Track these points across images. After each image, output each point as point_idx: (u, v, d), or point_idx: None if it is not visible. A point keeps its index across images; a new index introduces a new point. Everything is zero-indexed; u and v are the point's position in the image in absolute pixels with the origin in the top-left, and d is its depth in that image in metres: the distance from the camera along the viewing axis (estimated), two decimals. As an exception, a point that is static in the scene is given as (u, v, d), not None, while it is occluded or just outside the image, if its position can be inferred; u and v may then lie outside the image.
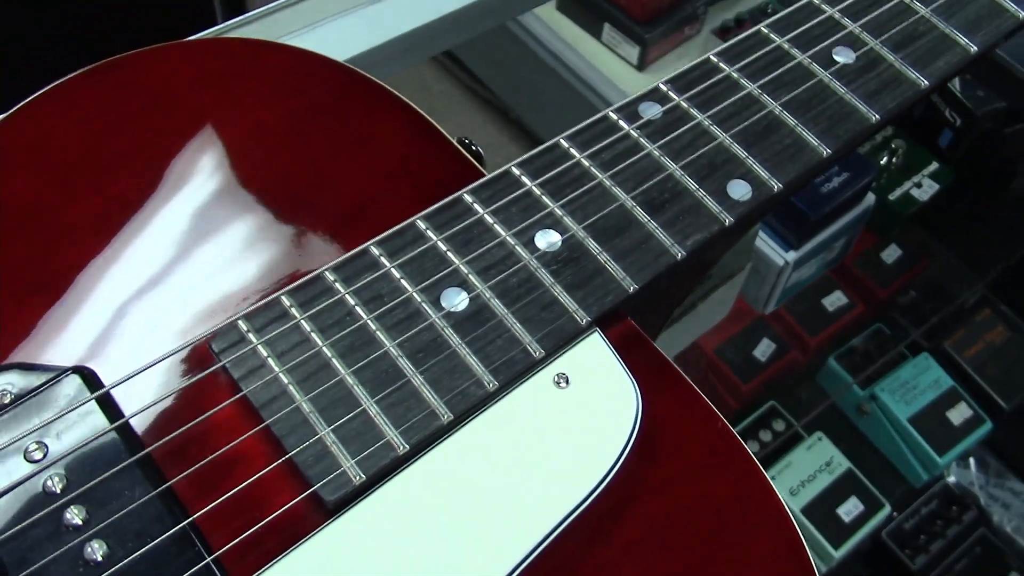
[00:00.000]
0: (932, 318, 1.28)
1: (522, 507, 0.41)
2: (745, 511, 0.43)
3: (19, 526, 0.39)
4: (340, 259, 0.45)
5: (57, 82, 0.51)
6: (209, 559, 0.39)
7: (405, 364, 0.43)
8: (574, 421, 0.43)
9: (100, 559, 0.38)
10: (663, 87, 0.52)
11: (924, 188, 1.24)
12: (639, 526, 0.42)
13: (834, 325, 1.24)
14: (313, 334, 0.43)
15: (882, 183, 1.21)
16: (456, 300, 0.45)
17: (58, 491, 0.40)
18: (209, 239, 0.47)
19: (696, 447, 0.44)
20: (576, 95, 1.44)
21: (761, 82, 0.52)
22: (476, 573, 0.39)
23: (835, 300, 1.25)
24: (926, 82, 0.53)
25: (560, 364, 0.44)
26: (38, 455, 0.40)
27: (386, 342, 0.43)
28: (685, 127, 0.50)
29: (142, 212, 0.48)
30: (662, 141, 0.50)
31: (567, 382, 0.44)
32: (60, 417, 0.41)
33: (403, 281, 0.45)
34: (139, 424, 0.42)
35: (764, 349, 1.28)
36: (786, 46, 0.53)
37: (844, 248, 1.13)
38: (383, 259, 0.45)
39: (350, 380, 0.43)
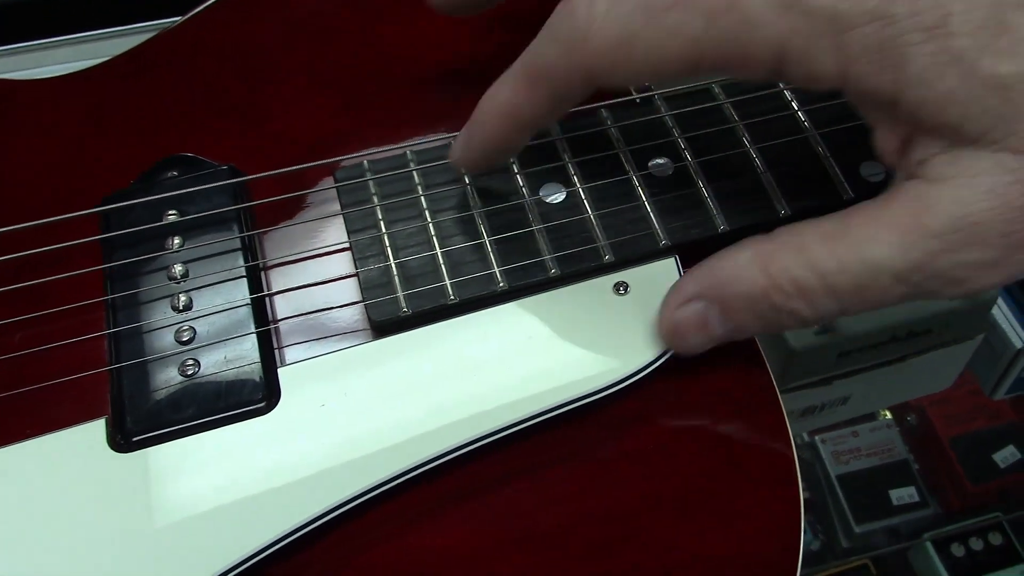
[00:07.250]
0: None
1: (539, 377, 0.43)
2: (754, 461, 0.42)
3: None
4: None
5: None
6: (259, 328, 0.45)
7: (483, 229, 0.46)
8: (618, 325, 0.45)
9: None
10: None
11: None
12: (648, 438, 0.43)
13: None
14: (419, 186, 0.48)
15: None
16: (554, 193, 0.48)
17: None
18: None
19: (731, 388, 0.44)
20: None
21: None
22: (478, 415, 0.43)
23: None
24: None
25: (627, 275, 0.46)
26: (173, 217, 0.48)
27: (474, 207, 0.47)
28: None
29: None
30: (807, 108, 0.50)
31: (626, 291, 0.45)
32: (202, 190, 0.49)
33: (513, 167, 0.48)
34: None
35: (1006, 456, 1.18)
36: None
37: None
38: None
39: (431, 229, 0.47)
